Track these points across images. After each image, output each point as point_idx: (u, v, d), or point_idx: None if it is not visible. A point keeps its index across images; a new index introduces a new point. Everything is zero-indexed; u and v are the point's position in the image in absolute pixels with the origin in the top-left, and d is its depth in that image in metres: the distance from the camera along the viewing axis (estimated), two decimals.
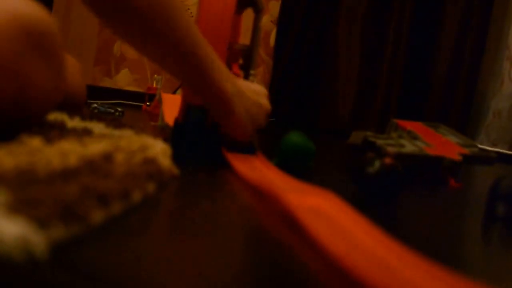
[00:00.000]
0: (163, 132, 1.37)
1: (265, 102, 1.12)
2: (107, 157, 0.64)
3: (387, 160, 0.82)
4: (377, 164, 0.82)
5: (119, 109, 1.83)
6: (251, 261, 0.46)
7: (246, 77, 1.18)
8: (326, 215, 0.61)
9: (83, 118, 1.02)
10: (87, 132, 0.84)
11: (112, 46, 2.70)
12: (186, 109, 1.03)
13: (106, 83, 2.68)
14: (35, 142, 0.64)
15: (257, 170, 0.90)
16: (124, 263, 0.41)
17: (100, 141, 0.73)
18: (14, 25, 0.66)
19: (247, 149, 1.08)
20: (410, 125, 1.33)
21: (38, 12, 0.69)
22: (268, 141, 1.60)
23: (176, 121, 1.05)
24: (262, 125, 1.12)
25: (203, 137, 1.03)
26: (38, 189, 0.46)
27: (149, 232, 0.51)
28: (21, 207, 0.40)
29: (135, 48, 0.89)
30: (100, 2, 0.78)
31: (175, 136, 1.03)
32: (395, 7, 2.50)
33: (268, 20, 2.71)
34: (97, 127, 0.92)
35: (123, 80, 2.70)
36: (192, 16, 2.47)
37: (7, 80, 0.66)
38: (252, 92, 1.08)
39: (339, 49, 2.55)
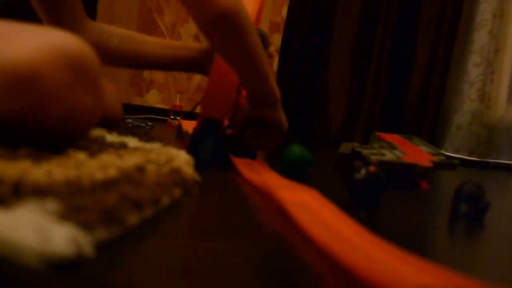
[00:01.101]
0: (182, 137, 1.38)
1: (286, 124, 1.16)
2: (140, 169, 0.63)
3: (372, 168, 0.82)
4: (363, 171, 0.82)
5: (149, 123, 1.83)
6: (257, 249, 0.46)
7: None
8: (310, 208, 0.62)
9: (120, 133, 1.02)
10: (123, 146, 0.84)
11: (143, 72, 2.70)
12: (203, 121, 1.04)
13: (138, 101, 2.67)
14: (80, 156, 0.63)
15: (256, 172, 0.90)
16: (154, 260, 0.41)
17: (134, 154, 0.73)
18: (62, 59, 0.65)
19: (249, 154, 1.08)
20: (389, 137, 1.32)
21: (82, 47, 0.69)
22: (271, 150, 1.60)
23: (194, 130, 1.06)
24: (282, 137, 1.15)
25: (215, 144, 1.04)
26: (84, 197, 0.46)
27: (175, 231, 0.51)
28: (69, 214, 0.40)
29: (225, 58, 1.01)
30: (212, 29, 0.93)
31: (193, 142, 1.04)
32: (376, 44, 2.50)
33: (272, 50, 2.71)
34: (131, 141, 0.92)
35: (152, 98, 2.70)
36: None
37: (56, 105, 0.66)
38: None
39: (330, 76, 2.56)
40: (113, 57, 1.25)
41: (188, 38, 2.70)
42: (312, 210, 0.61)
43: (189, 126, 1.45)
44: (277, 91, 1.11)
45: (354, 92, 2.52)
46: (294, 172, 1.00)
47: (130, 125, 1.68)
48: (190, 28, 2.69)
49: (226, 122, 1.11)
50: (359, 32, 2.53)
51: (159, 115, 2.52)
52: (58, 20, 1.20)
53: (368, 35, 2.52)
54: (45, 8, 1.18)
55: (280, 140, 1.14)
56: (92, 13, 2.53)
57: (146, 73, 2.69)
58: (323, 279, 0.42)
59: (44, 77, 0.64)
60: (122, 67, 1.31)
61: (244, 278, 0.40)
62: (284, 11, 2.66)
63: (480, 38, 2.36)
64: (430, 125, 2.44)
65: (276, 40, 2.70)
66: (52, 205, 0.41)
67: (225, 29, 0.94)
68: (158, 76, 2.70)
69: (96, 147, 0.76)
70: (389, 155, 1.18)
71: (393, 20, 2.50)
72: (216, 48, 1.02)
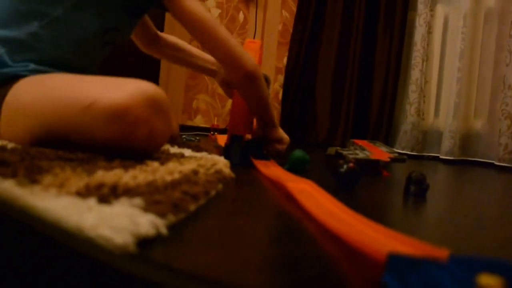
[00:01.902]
0: (218, 149, 1.38)
1: (286, 137, 1.15)
2: (195, 172, 0.63)
3: (351, 165, 0.81)
4: (345, 166, 0.81)
5: (197, 138, 1.83)
6: (273, 225, 0.45)
7: None
8: (309, 193, 0.61)
9: (179, 146, 1.01)
10: (181, 155, 0.83)
11: (192, 102, 2.70)
12: (231, 137, 1.04)
13: (189, 123, 2.67)
14: (155, 164, 0.63)
15: (270, 169, 0.89)
16: (202, 235, 0.40)
17: (190, 161, 0.73)
18: (145, 96, 0.67)
19: (264, 157, 1.07)
20: (360, 142, 1.31)
21: (157, 89, 0.70)
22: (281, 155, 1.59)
23: (225, 144, 1.06)
24: (284, 149, 1.13)
25: (240, 152, 1.03)
26: (158, 195, 0.45)
27: (220, 213, 0.50)
28: (150, 207, 0.39)
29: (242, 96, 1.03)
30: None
31: (225, 151, 1.04)
32: (347, 81, 2.50)
33: (278, 86, 2.71)
34: (187, 152, 0.91)
35: (199, 121, 2.69)
36: None
37: (142, 127, 0.66)
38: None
39: (317, 102, 2.55)
40: (172, 59, 1.31)
41: None
42: (311, 195, 0.60)
43: (222, 139, 1.45)
44: (274, 116, 1.12)
45: (334, 112, 2.52)
46: (297, 168, 0.99)
47: (184, 139, 1.68)
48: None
49: (246, 136, 1.11)
50: (335, 73, 2.53)
51: (204, 131, 2.52)
52: (148, 39, 1.26)
53: (341, 75, 2.52)
54: (141, 33, 1.24)
55: (283, 149, 1.13)
56: (156, 67, 2.54)
57: (194, 103, 2.69)
58: (321, 243, 0.41)
59: (135, 111, 0.65)
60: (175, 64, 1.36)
61: (265, 245, 0.39)
62: (285, 59, 2.66)
63: (415, 74, 2.35)
64: (385, 132, 2.43)
65: (279, 79, 2.69)
66: (137, 201, 0.40)
67: (249, 82, 0.96)
68: (202, 105, 2.69)
69: (164, 157, 0.76)
70: (361, 155, 1.16)
71: (358, 65, 2.49)
72: (241, 92, 1.03)
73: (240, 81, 0.96)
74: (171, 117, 0.74)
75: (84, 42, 0.87)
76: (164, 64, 2.59)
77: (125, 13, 0.91)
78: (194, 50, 1.32)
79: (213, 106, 2.69)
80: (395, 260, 0.28)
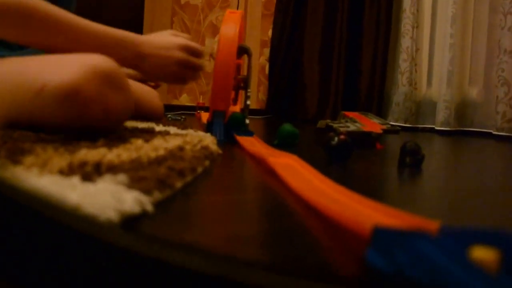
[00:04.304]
0: (203, 126, 1.38)
1: (176, 54, 0.88)
2: (181, 148, 0.63)
3: (342, 137, 0.81)
4: (336, 139, 0.81)
5: (183, 116, 1.82)
6: (260, 200, 0.46)
7: (246, 93, 1.17)
8: (293, 168, 0.62)
9: (164, 124, 1.01)
10: (167, 133, 0.83)
11: None
12: (212, 113, 1.04)
13: (175, 102, 2.66)
14: (139, 142, 0.63)
15: (253, 145, 0.89)
16: (190, 211, 0.40)
17: (175, 138, 0.73)
18: (96, 73, 0.66)
19: (248, 133, 1.06)
20: (351, 114, 1.32)
21: (109, 62, 0.69)
22: (270, 129, 1.60)
23: (207, 120, 1.06)
24: (178, 74, 0.90)
25: (223, 128, 1.03)
26: (143, 171, 0.45)
27: (208, 189, 0.51)
28: (134, 183, 0.40)
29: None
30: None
31: (208, 129, 1.04)
32: (335, 51, 2.49)
33: (264, 59, 2.70)
34: (172, 129, 0.91)
35: (184, 99, 2.68)
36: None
37: (96, 105, 0.66)
38: (156, 47, 0.87)
39: (305, 75, 2.55)
40: None
41: (206, 56, 2.69)
42: (294, 170, 0.61)
43: (206, 117, 1.45)
44: (126, 37, 0.84)
45: (323, 85, 2.52)
46: (286, 144, 1.00)
47: (170, 118, 1.67)
48: (206, 50, 2.68)
49: (230, 110, 1.10)
50: (322, 44, 2.53)
51: (189, 110, 2.51)
52: None
53: (328, 46, 2.52)
54: None
55: (182, 73, 0.90)
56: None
57: None
58: (304, 217, 0.41)
59: (87, 90, 0.65)
60: None
61: (253, 220, 0.40)
62: (270, 32, 2.65)
63: (405, 42, 2.35)
64: (377, 104, 2.45)
65: (265, 52, 2.68)
66: (122, 177, 0.40)
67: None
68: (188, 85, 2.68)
69: (149, 135, 0.76)
70: (352, 127, 1.17)
71: (345, 35, 2.49)
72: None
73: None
74: (129, 91, 0.72)
75: None
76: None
77: None
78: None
79: (198, 84, 2.68)
80: (380, 234, 0.27)
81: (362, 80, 2.48)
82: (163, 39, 0.87)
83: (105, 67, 0.68)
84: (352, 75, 2.51)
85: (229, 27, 1.07)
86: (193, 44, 0.90)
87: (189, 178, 0.52)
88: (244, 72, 1.29)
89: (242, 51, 1.17)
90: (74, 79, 0.64)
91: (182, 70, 0.88)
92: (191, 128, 1.02)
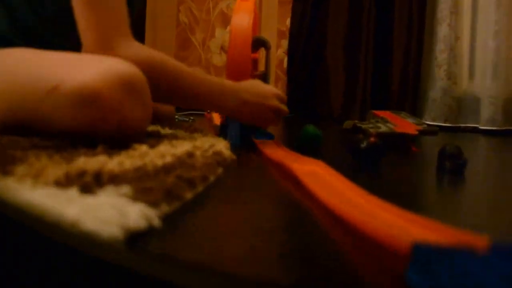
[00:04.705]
0: (216, 128, 1.37)
1: (271, 102, 0.99)
2: (190, 154, 0.63)
3: (372, 139, 0.81)
4: (365, 142, 0.81)
5: (191, 117, 1.84)
6: (280, 210, 0.46)
7: None
8: (319, 176, 0.61)
9: (171, 127, 1.02)
10: (174, 137, 0.84)
11: None
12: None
13: None
14: (143, 148, 0.63)
15: (274, 150, 0.88)
16: (201, 225, 0.41)
17: (184, 143, 0.73)
18: (116, 79, 0.66)
19: (268, 135, 1.06)
20: (382, 113, 1.31)
21: (132, 70, 0.70)
22: (289, 130, 1.59)
23: (221, 122, 1.06)
24: (271, 120, 1.01)
25: (239, 130, 1.03)
26: (149, 181, 0.45)
27: (221, 200, 0.51)
28: (139, 195, 0.40)
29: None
30: None
31: (221, 132, 1.04)
32: (363, 42, 2.48)
33: (281, 52, 2.69)
34: (180, 133, 0.92)
35: None
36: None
37: (113, 115, 0.66)
38: (255, 95, 0.97)
39: (329, 68, 2.54)
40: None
41: (216, 49, 2.69)
42: (320, 178, 0.60)
43: (218, 118, 1.45)
44: (227, 85, 0.95)
45: (349, 79, 2.51)
46: (309, 147, 1.00)
47: (177, 120, 1.68)
48: (216, 42, 2.69)
49: None
50: (348, 33, 2.51)
51: (198, 110, 2.52)
52: None
53: (355, 35, 2.50)
54: None
55: (273, 119, 1.02)
56: (141, 37, 2.53)
57: None
58: (333, 234, 0.41)
59: (106, 96, 0.65)
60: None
61: (272, 235, 0.40)
62: (288, 21, 2.65)
63: (442, 30, 2.33)
64: (411, 100, 2.43)
65: (283, 44, 2.68)
66: (125, 189, 0.41)
67: None
68: None
69: (154, 140, 0.76)
70: (383, 128, 1.17)
71: (374, 23, 2.48)
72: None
73: None
74: (149, 101, 0.73)
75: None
76: (149, 34, 2.59)
77: None
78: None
79: None
80: (421, 251, 0.27)
81: (394, 73, 2.46)
82: (260, 88, 1.00)
83: (129, 73, 0.68)
84: (382, 68, 2.49)
85: (242, 17, 1.07)
86: (282, 93, 1.05)
87: (200, 188, 0.52)
88: (261, 67, 1.29)
89: (259, 43, 1.16)
90: (94, 81, 0.65)
91: (274, 116, 1.01)
92: (201, 130, 1.02)
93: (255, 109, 0.97)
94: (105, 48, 0.77)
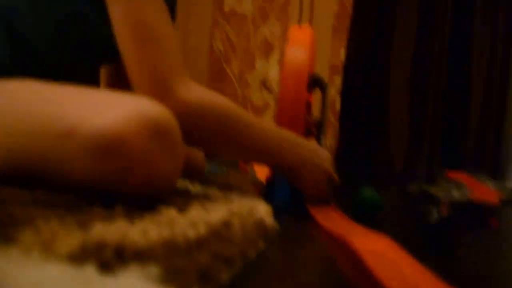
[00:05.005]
0: (255, 184, 1.37)
1: (327, 166, 1.03)
2: (227, 224, 0.63)
3: (443, 211, 0.80)
4: (435, 214, 0.80)
5: (224, 168, 1.85)
6: None
7: (319, 142, 1.17)
8: (386, 258, 0.60)
9: (202, 183, 1.02)
10: (206, 197, 0.84)
11: None
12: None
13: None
14: (171, 212, 0.64)
15: (331, 219, 0.88)
16: None
17: (218, 207, 0.73)
18: (147, 126, 0.66)
19: (323, 201, 1.05)
20: (456, 175, 1.29)
21: (163, 113, 0.69)
22: (341, 189, 1.58)
23: (268, 179, 1.06)
24: (323, 188, 1.03)
25: (289, 191, 1.02)
26: (180, 258, 0.45)
27: (263, 283, 0.50)
28: (169, 277, 0.40)
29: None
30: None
31: (269, 191, 1.04)
32: (432, 81, 2.48)
33: (334, 91, 2.70)
34: (212, 191, 0.92)
35: None
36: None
37: (138, 166, 0.66)
38: (315, 155, 1.01)
39: (391, 113, 2.53)
40: None
41: (255, 85, 2.72)
42: (388, 259, 0.59)
43: (262, 172, 1.44)
44: (289, 160, 0.98)
45: (415, 130, 2.49)
46: (366, 215, 0.98)
47: (207, 172, 1.70)
48: (256, 75, 2.71)
49: None
50: (415, 70, 2.51)
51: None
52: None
53: (424, 72, 2.50)
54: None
55: (325, 192, 1.05)
56: None
57: None
58: None
59: (131, 144, 0.65)
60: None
61: None
62: (342, 54, 2.66)
63: None
64: (492, 160, 2.39)
65: (336, 81, 2.68)
66: (153, 269, 0.41)
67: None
68: None
69: (183, 201, 0.77)
70: (457, 195, 1.15)
71: (446, 58, 2.48)
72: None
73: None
74: (181, 151, 0.73)
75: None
76: None
77: None
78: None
79: None
80: None
81: (471, 124, 2.43)
82: (316, 147, 1.04)
83: (158, 116, 0.68)
84: (455, 117, 2.47)
85: (297, 50, 1.08)
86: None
87: (238, 266, 0.52)
88: (316, 112, 1.29)
89: (314, 83, 1.16)
90: (117, 125, 0.64)
91: (325, 181, 1.02)
92: (237, 187, 1.02)
93: (311, 169, 0.99)
94: (163, 90, 0.80)
